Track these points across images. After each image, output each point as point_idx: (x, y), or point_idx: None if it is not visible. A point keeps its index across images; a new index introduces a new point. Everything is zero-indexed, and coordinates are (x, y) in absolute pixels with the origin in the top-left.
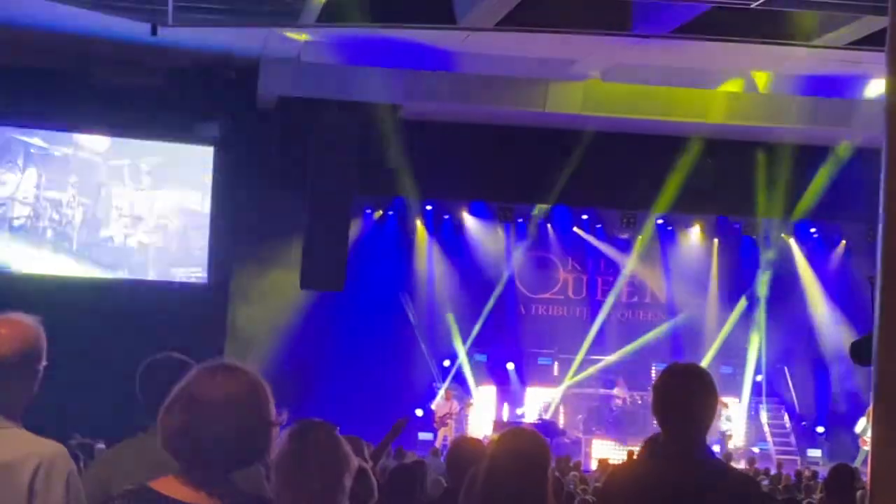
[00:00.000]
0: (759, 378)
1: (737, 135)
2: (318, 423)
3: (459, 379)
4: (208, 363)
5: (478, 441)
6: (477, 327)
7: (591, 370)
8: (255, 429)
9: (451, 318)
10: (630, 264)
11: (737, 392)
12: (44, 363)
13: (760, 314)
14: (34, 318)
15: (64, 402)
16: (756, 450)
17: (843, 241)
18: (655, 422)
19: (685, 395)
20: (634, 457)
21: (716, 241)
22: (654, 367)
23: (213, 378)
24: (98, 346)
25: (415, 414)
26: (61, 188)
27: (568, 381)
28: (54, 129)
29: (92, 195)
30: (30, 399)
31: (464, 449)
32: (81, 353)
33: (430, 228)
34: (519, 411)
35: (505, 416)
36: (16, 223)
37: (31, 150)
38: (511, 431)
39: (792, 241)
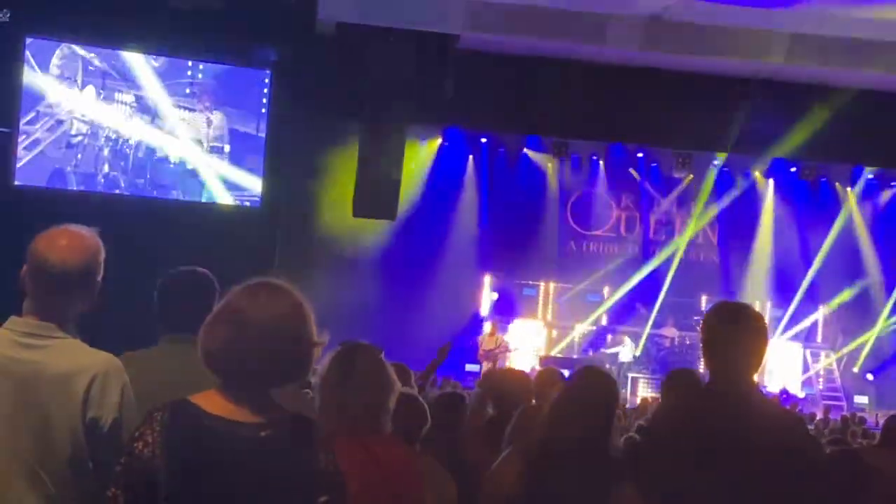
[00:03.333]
0: (807, 322)
1: (798, 76)
2: (363, 346)
3: (507, 311)
4: (251, 281)
5: (525, 375)
6: (527, 261)
7: (641, 309)
8: (298, 347)
9: (501, 251)
10: (683, 204)
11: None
12: (101, 275)
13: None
14: (93, 229)
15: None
16: (802, 394)
17: None
18: (703, 362)
19: (733, 335)
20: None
21: (771, 181)
22: (704, 308)
23: (257, 296)
24: (150, 265)
25: (460, 342)
26: (119, 107)
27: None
28: (113, 48)
29: (149, 115)
30: (86, 310)
31: (511, 381)
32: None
33: (485, 161)
34: (564, 345)
35: (552, 351)
36: (74, 140)
37: (90, 68)
38: (586, 369)
39: (852, 188)
